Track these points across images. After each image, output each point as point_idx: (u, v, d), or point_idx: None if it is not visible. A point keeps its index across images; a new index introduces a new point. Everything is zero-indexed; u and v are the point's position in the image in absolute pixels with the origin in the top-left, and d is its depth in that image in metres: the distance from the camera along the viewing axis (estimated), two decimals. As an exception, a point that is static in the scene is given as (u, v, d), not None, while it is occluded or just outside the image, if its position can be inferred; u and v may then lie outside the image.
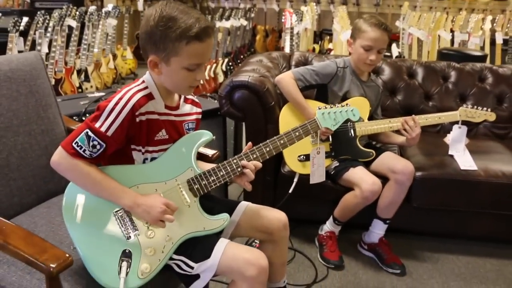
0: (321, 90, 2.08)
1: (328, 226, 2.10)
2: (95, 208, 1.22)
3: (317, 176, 1.79)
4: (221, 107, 2.12)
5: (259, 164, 1.34)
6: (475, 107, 2.08)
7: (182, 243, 1.26)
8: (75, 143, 1.16)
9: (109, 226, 1.21)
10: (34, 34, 3.85)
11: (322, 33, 6.36)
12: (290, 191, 2.04)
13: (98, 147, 1.16)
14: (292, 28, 4.03)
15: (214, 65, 4.99)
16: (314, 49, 5.23)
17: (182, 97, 1.38)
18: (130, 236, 1.21)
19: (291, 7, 6.73)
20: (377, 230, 2.05)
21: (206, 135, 1.34)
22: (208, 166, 1.36)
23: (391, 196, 1.95)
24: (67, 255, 1.02)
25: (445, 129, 2.53)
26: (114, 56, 5.21)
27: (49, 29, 3.91)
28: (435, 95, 2.57)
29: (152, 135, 1.25)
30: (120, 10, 5.19)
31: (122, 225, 1.21)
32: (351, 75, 2.06)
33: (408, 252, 2.15)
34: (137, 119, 1.20)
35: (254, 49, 6.86)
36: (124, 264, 1.18)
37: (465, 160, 2.07)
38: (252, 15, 6.39)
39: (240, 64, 3.20)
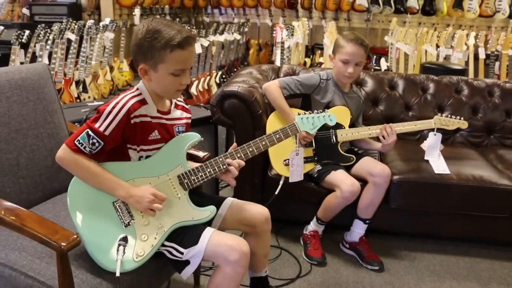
0: (305, 99, 2.27)
1: (312, 226, 2.26)
2: (96, 198, 1.38)
3: (296, 176, 1.96)
4: (213, 114, 2.30)
5: (242, 163, 1.52)
6: (449, 116, 2.27)
7: (173, 231, 1.42)
8: (77, 141, 1.34)
9: (108, 215, 1.38)
10: (34, 46, 4.04)
11: (314, 47, 6.59)
12: (276, 192, 2.19)
13: (97, 144, 1.34)
14: (283, 43, 4.24)
15: (208, 77, 5.18)
16: (305, 63, 5.44)
17: (173, 103, 1.56)
18: (126, 223, 1.37)
19: (283, 22, 6.97)
20: (358, 230, 2.22)
21: (195, 136, 1.52)
22: (198, 165, 1.53)
23: (370, 197, 2.12)
24: (75, 235, 1.18)
25: (424, 137, 2.70)
26: (111, 68, 5.40)
27: (49, 42, 4.10)
28: (414, 106, 2.76)
29: (145, 135, 1.43)
30: (117, 24, 5.39)
31: (120, 214, 1.38)
32: (333, 86, 2.24)
33: (387, 251, 2.31)
34: (132, 121, 1.38)
35: (248, 62, 7.07)
36: (121, 248, 1.33)
37: (439, 165, 2.25)
38: (246, 29, 6.62)
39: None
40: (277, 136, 1.61)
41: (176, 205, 1.44)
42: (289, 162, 2.15)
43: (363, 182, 2.16)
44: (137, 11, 6.11)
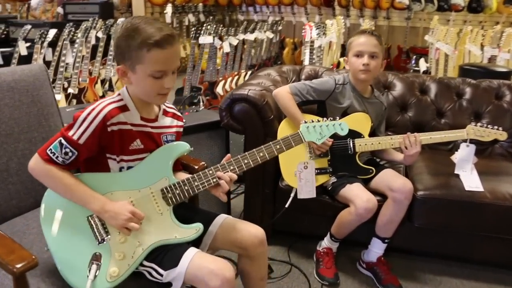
0: (321, 106, 2.10)
1: (326, 243, 2.09)
2: (69, 212, 1.29)
3: (306, 192, 1.79)
4: (221, 119, 2.18)
5: (234, 176, 1.38)
6: (485, 125, 2.03)
7: (153, 250, 1.30)
8: (49, 150, 1.24)
9: (82, 230, 1.27)
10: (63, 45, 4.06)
11: (351, 47, 6.34)
12: (287, 205, 2.05)
13: (70, 154, 1.24)
14: (312, 42, 4.06)
15: (236, 77, 5.07)
16: (339, 64, 5.22)
17: (161, 110, 1.43)
18: (101, 240, 1.27)
19: (320, 20, 6.77)
20: (376, 249, 2.03)
21: (184, 146, 1.40)
22: (186, 177, 1.40)
23: (389, 214, 1.93)
24: (33, 257, 1.08)
25: (458, 147, 2.47)
26: (140, 67, 5.39)
27: (77, 41, 4.12)
28: (447, 112, 2.53)
29: (125, 144, 1.32)
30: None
31: (94, 229, 1.27)
32: (351, 91, 2.07)
33: (408, 273, 2.11)
34: (109, 129, 1.27)
35: (282, 61, 6.92)
36: (94, 266, 1.23)
37: (471, 180, 2.02)
38: (280, 28, 6.47)
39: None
40: (278, 146, 1.46)
41: (157, 221, 1.32)
42: (294, 173, 1.99)
43: (383, 197, 1.97)
44: (168, 9, 6.09)
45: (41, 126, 1.72)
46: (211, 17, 7.38)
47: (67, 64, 3.87)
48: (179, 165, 1.57)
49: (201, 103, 3.36)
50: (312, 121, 1.51)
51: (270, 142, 1.46)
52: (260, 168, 2.19)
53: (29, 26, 3.93)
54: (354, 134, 2.02)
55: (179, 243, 1.32)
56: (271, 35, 6.02)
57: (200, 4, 7.23)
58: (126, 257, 1.27)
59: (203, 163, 1.66)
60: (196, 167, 1.63)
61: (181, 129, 1.52)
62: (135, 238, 1.29)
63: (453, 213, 1.99)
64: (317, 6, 6.92)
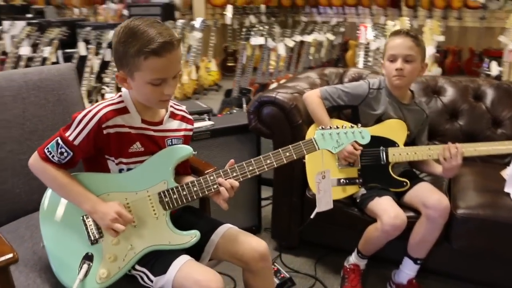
0: (354, 111, 1.98)
1: (353, 259, 1.96)
2: (68, 211, 1.30)
3: (324, 204, 1.68)
4: (249, 122, 2.12)
5: (236, 183, 1.32)
6: (543, 138, 1.80)
7: (146, 255, 1.28)
8: (46, 149, 1.26)
9: (76, 229, 1.28)
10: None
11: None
12: (312, 216, 1.94)
13: (65, 154, 1.25)
14: (367, 44, 3.89)
15: (291, 79, 5.00)
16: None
17: (168, 113, 1.40)
18: (94, 240, 1.26)
19: (385, 21, 6.50)
20: (407, 270, 1.87)
21: (186, 150, 1.36)
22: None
23: (422, 233, 1.77)
24: (14, 253, 1.09)
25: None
26: (197, 68, 5.49)
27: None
28: (505, 122, 2.27)
29: (124, 147, 1.30)
30: (206, 23, 5.46)
31: (88, 229, 1.27)
32: (387, 97, 1.92)
33: (444, 300, 1.93)
34: (104, 131, 1.26)
35: (344, 64, 6.73)
36: (85, 266, 1.23)
37: (522, 200, 1.80)
38: (342, 29, 6.29)
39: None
40: (287, 154, 1.37)
41: (152, 226, 1.29)
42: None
43: (417, 213, 1.81)
44: (229, 11, 6.15)
45: (65, 124, 1.77)
46: (273, 19, 7.36)
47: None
48: (188, 168, 1.53)
49: (244, 106, 3.33)
50: (330, 128, 1.41)
51: (280, 149, 1.38)
52: (288, 176, 2.11)
53: (88, 28, 4.13)
54: (387, 143, 1.88)
55: (173, 249, 1.29)
56: (332, 37, 5.88)
57: (263, 6, 7.24)
58: (117, 259, 1.26)
59: (214, 168, 1.61)
60: (206, 172, 1.58)
61: (190, 133, 1.48)
62: (128, 241, 1.27)
63: (498, 236, 1.78)
64: (382, 7, 6.66)
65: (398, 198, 1.87)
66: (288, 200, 2.13)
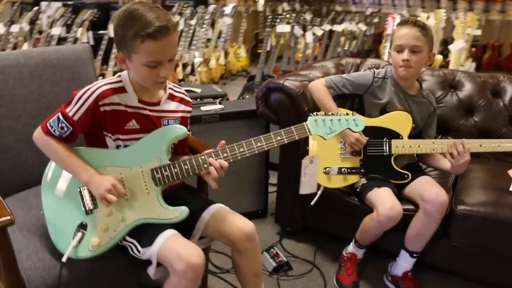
0: (359, 101, 1.98)
1: (351, 248, 1.99)
2: (66, 182, 1.39)
3: (308, 187, 1.72)
4: (257, 107, 2.17)
5: (225, 164, 1.37)
6: (552, 137, 1.76)
7: (136, 227, 1.35)
8: (48, 124, 1.35)
9: (73, 199, 1.37)
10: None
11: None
12: (313, 203, 1.98)
13: (65, 129, 1.33)
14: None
15: (318, 69, 4.98)
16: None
17: (166, 94, 1.46)
18: (88, 211, 1.35)
19: (422, 12, 6.34)
20: (403, 263, 1.88)
21: (180, 130, 1.42)
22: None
23: (419, 226, 1.77)
24: (11, 217, 1.18)
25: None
26: (226, 53, 5.54)
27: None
28: (524, 120, 2.23)
29: (120, 124, 1.37)
30: (236, 10, 5.49)
31: (84, 200, 1.36)
32: (392, 86, 1.92)
33: (440, 295, 1.93)
34: (101, 109, 1.33)
35: (377, 55, 6.63)
36: (79, 234, 1.32)
37: (526, 200, 1.77)
38: (376, 20, 6.19)
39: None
40: (278, 138, 1.41)
41: (143, 200, 1.36)
42: (330, 170, 1.91)
43: (416, 206, 1.82)
44: (261, -3, 6.17)
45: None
46: (306, 7, 7.31)
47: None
48: (186, 149, 1.59)
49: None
50: (324, 114, 1.44)
51: (271, 133, 1.42)
52: (293, 162, 2.14)
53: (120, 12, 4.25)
54: (391, 134, 1.88)
55: (162, 223, 1.35)
56: (364, 27, 5.79)
57: (297, -7, 7.21)
58: (109, 229, 1.34)
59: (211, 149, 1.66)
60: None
61: (188, 115, 1.53)
62: (120, 213, 1.35)
63: (498, 235, 1.76)
64: (421, -2, 6.50)
65: (399, 191, 1.88)
66: (292, 186, 2.16)
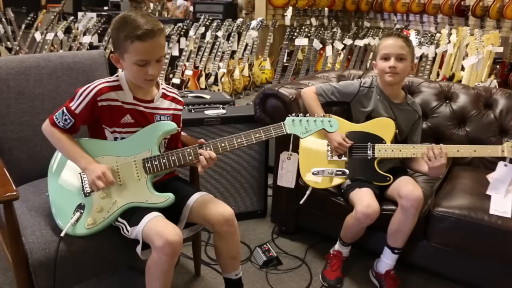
0: (348, 107, 2.13)
1: (337, 246, 2.12)
2: (68, 167, 1.61)
3: (285, 181, 1.89)
4: (255, 112, 2.35)
5: (214, 155, 1.56)
6: (529, 144, 1.85)
7: (127, 210, 1.55)
8: (54, 116, 1.58)
9: (74, 182, 1.58)
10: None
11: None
12: (301, 202, 2.13)
13: (68, 121, 1.56)
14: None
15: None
16: (452, 76, 4.89)
17: (159, 93, 1.67)
18: (86, 193, 1.56)
19: (451, 30, 6.38)
20: (386, 259, 1.99)
21: (170, 125, 1.62)
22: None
23: (397, 222, 1.89)
24: (16, 193, 1.40)
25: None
26: (250, 65, 5.76)
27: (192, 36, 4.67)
28: (513, 130, 2.31)
29: (117, 118, 1.58)
30: (263, 23, 5.72)
31: (83, 184, 1.57)
32: (378, 95, 2.06)
33: (420, 294, 2.02)
34: (99, 104, 1.55)
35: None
36: (77, 214, 1.53)
37: (500, 204, 1.86)
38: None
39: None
40: (257, 135, 1.60)
41: (134, 185, 1.56)
42: (317, 172, 2.05)
43: (397, 205, 1.93)
44: (289, 12, 6.36)
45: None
46: (335, 22, 7.46)
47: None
48: (179, 144, 1.79)
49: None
50: (301, 115, 1.61)
51: (251, 130, 1.60)
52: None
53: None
54: (375, 139, 2.01)
55: (150, 207, 1.55)
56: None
57: (326, 9, 7.37)
58: (103, 210, 1.54)
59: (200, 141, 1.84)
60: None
61: (180, 112, 1.74)
62: (113, 197, 1.55)
63: (472, 236, 1.85)
64: (448, 16, 6.52)
65: (382, 192, 2.00)
66: (285, 187, 2.31)
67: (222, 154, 2.33)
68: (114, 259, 1.66)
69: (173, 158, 1.57)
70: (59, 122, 1.57)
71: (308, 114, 1.63)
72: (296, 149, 2.12)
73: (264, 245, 2.25)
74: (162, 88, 1.69)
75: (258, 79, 5.99)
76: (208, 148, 1.58)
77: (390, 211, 1.93)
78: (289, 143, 1.89)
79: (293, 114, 1.63)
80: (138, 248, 1.52)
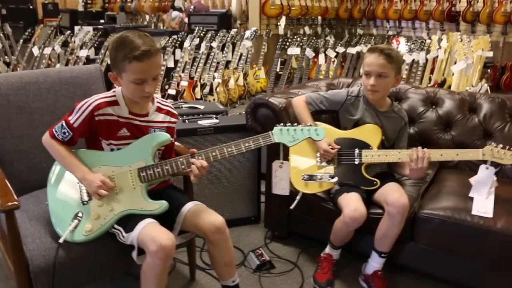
0: (336, 116, 2.22)
1: (327, 249, 2.19)
2: (66, 178, 1.70)
3: (279, 189, 1.97)
4: (247, 121, 2.44)
5: (205, 163, 1.65)
6: (507, 147, 1.93)
7: (123, 217, 1.63)
8: (54, 129, 1.67)
9: (72, 192, 1.67)
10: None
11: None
12: (292, 207, 2.21)
13: (67, 134, 1.65)
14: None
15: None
16: (443, 81, 5.00)
17: (154, 107, 1.76)
18: (84, 202, 1.64)
19: (442, 35, 6.50)
20: (373, 263, 2.07)
21: (164, 136, 1.71)
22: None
23: (384, 228, 1.97)
24: (17, 202, 1.48)
25: (506, 171, 2.34)
26: (245, 74, 5.87)
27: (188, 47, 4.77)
28: (496, 134, 2.39)
29: (113, 132, 1.67)
30: (257, 33, 5.84)
31: (82, 193, 1.65)
32: (364, 104, 2.15)
33: (408, 294, 2.10)
34: (96, 118, 1.64)
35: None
36: (75, 221, 1.61)
37: (482, 205, 1.94)
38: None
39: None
40: (246, 144, 1.69)
41: (129, 194, 1.65)
42: (307, 177, 2.13)
43: (384, 210, 2.02)
44: (282, 21, 6.49)
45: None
46: (327, 30, 7.59)
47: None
48: (173, 154, 1.87)
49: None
50: (289, 124, 1.70)
51: (241, 140, 1.69)
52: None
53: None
54: (362, 145, 2.10)
55: (145, 214, 1.63)
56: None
57: (319, 17, 7.50)
58: (100, 218, 1.62)
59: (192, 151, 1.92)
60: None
61: (174, 125, 1.82)
62: (110, 205, 1.63)
63: (456, 237, 1.94)
64: (439, 21, 6.66)
65: (370, 196, 2.08)
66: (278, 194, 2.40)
67: (216, 163, 2.45)
68: (111, 264, 1.74)
69: (166, 167, 1.65)
70: (58, 134, 1.66)
71: (296, 124, 1.72)
72: (287, 156, 2.20)
73: (258, 250, 2.33)
74: (157, 102, 1.78)
75: (253, 88, 6.10)
76: (200, 158, 1.66)
77: (378, 215, 2.02)
78: (281, 150, 1.97)
79: (281, 124, 1.71)
80: (134, 253, 1.60)
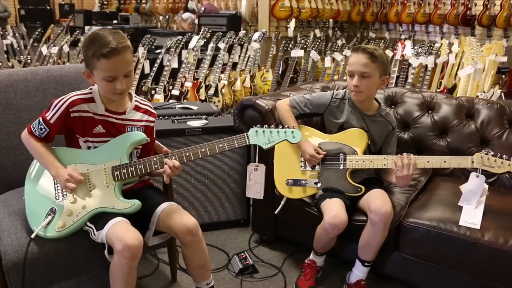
0: (322, 119, 2.19)
1: (311, 255, 2.17)
2: (44, 174, 1.71)
3: (253, 192, 1.96)
4: (234, 122, 2.43)
5: (178, 163, 1.65)
6: (498, 155, 1.88)
7: (96, 215, 1.64)
8: (32, 125, 1.69)
9: (48, 188, 1.69)
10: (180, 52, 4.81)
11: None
12: (276, 212, 2.20)
13: (43, 130, 1.67)
14: (403, 60, 3.98)
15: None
16: (454, 87, 4.90)
17: (132, 105, 1.77)
18: (58, 198, 1.66)
19: (455, 40, 6.40)
20: (357, 271, 2.03)
21: (139, 136, 1.72)
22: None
23: (367, 236, 1.94)
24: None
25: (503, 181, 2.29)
26: (252, 76, 5.86)
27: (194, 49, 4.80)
28: (493, 140, 2.32)
29: (88, 128, 1.68)
30: (265, 35, 5.83)
31: (56, 189, 1.67)
32: (350, 107, 2.11)
33: (392, 304, 2.06)
34: (71, 115, 1.66)
35: (411, 84, 6.70)
36: (49, 217, 1.62)
37: (471, 215, 1.89)
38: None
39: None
40: (220, 145, 1.68)
41: (102, 192, 1.66)
42: (291, 182, 2.12)
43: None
44: (292, 24, 6.46)
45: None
46: (339, 33, 7.54)
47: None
48: (152, 154, 1.86)
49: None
50: (264, 126, 1.69)
51: (215, 141, 1.69)
52: (266, 175, 2.36)
53: (148, 35, 4.71)
54: (347, 150, 2.07)
55: (117, 212, 1.63)
56: (390, 53, 5.93)
57: (331, 20, 7.46)
58: (72, 215, 1.64)
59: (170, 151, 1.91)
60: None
61: (152, 124, 1.83)
62: (82, 202, 1.65)
63: (441, 248, 1.89)
64: (454, 25, 6.55)
65: (354, 202, 2.05)
66: (264, 196, 2.38)
67: (206, 164, 2.45)
68: (86, 262, 1.74)
69: (139, 166, 1.66)
70: (35, 131, 1.68)
71: (273, 126, 1.70)
72: (266, 160, 2.18)
73: (242, 253, 2.32)
74: (135, 101, 1.79)
75: (260, 90, 6.08)
76: (173, 158, 1.66)
77: (362, 222, 1.98)
78: (257, 153, 1.96)
79: (258, 126, 1.70)
80: (105, 252, 1.60)
